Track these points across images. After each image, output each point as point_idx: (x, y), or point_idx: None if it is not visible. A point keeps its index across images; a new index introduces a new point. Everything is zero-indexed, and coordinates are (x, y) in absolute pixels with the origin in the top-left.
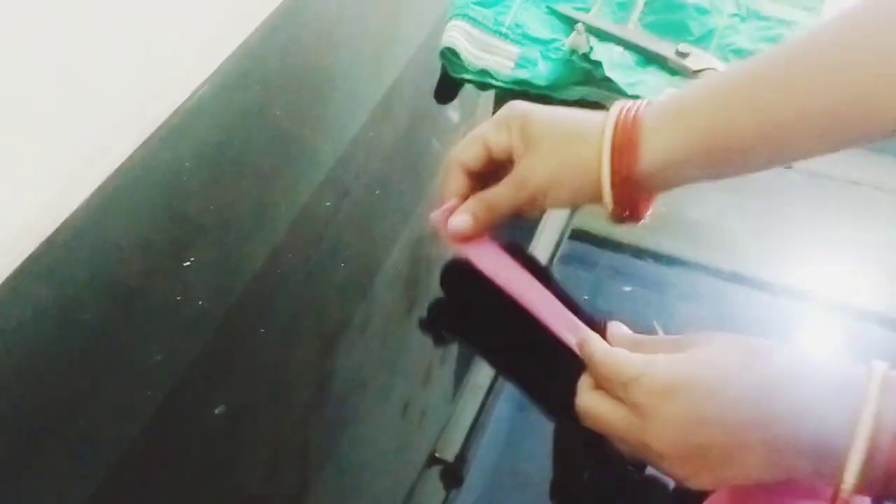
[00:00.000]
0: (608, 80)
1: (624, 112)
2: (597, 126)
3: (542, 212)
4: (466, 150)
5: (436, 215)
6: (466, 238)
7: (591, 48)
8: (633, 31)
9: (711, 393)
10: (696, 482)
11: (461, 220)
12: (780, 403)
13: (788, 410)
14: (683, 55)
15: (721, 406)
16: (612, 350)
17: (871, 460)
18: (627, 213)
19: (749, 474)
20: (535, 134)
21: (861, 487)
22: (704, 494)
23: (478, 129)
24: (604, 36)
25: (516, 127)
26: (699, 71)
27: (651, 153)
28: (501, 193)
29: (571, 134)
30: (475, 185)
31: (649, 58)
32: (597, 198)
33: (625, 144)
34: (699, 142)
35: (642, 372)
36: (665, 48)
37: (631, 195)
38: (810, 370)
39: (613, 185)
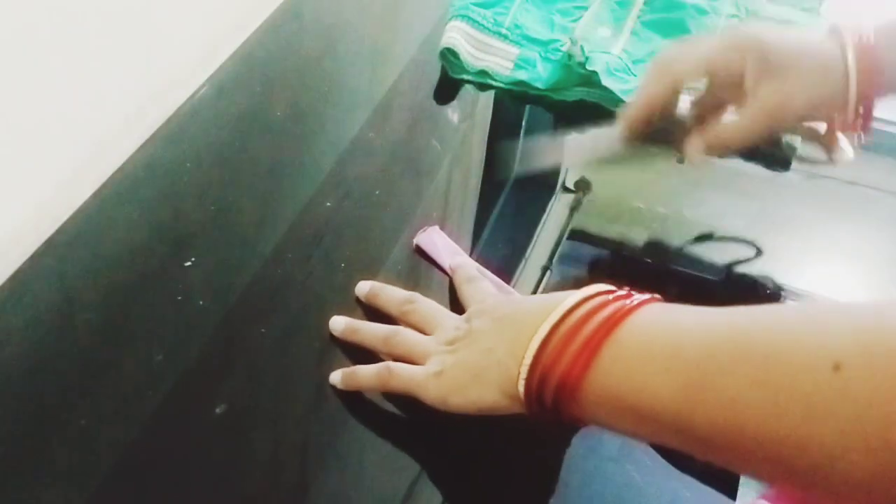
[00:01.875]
0: None
1: (859, 43)
2: (837, 54)
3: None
4: (688, 62)
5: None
6: None
7: (587, 58)
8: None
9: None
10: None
11: (698, 158)
12: (515, 307)
13: (513, 312)
14: None
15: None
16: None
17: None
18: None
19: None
20: (780, 62)
21: (532, 384)
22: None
23: (697, 50)
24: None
25: (753, 53)
26: None
27: (891, 81)
28: (744, 126)
29: (819, 62)
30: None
31: (649, 55)
32: (831, 113)
33: (868, 81)
34: None
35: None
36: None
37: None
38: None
39: (856, 109)
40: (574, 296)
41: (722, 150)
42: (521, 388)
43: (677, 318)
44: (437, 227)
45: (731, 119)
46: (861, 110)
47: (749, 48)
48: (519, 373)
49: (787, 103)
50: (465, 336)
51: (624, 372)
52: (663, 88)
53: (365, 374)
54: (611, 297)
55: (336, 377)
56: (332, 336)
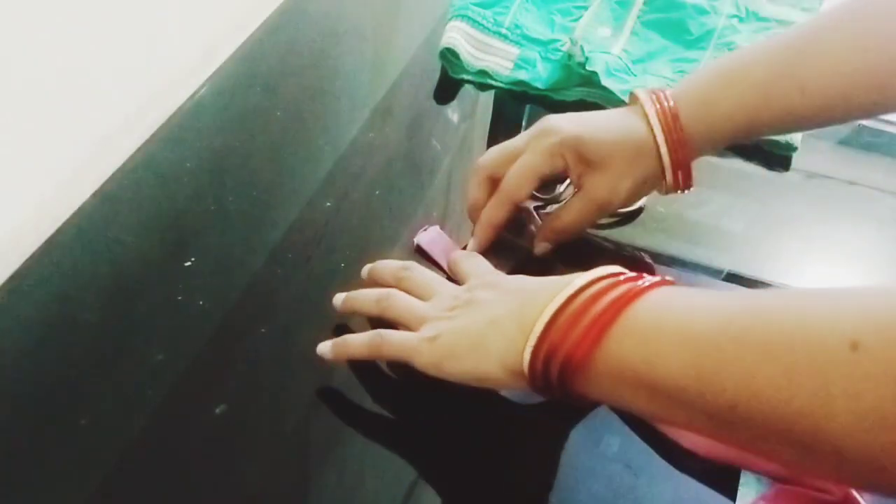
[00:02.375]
0: None
1: (664, 120)
2: (646, 135)
3: None
4: (521, 185)
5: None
6: None
7: (587, 59)
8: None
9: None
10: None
11: (542, 248)
12: (524, 282)
13: (521, 288)
14: None
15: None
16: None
17: (545, 337)
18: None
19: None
20: (598, 156)
21: (536, 363)
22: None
23: (525, 162)
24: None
25: (571, 153)
26: None
27: (700, 146)
28: (576, 217)
29: (633, 149)
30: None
31: (649, 55)
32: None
33: (679, 155)
34: (736, 132)
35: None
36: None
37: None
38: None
39: (675, 176)
40: (585, 276)
41: (558, 238)
42: (526, 361)
43: (691, 295)
44: (437, 227)
45: (561, 209)
46: (680, 175)
47: (566, 151)
48: (525, 346)
49: (613, 193)
50: (465, 304)
51: (635, 346)
52: (506, 212)
53: (356, 342)
54: (622, 277)
55: (325, 347)
56: (331, 335)
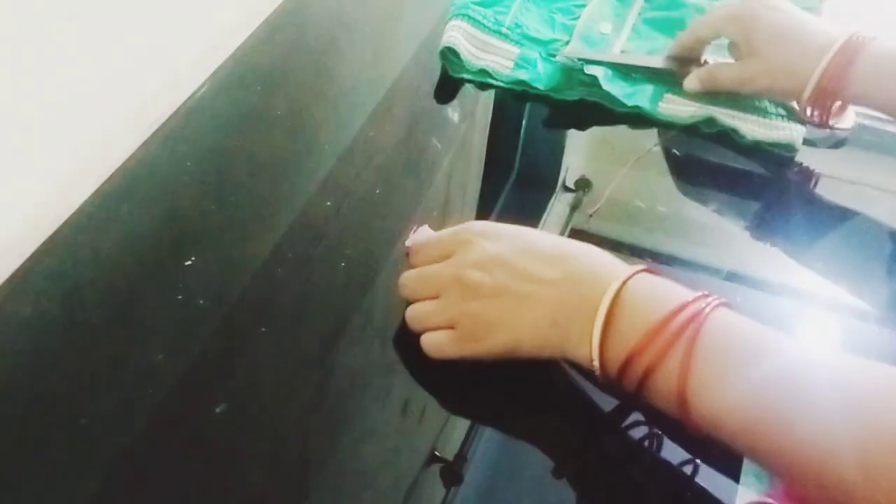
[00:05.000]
0: None
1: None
2: (816, 47)
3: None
4: (700, 26)
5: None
6: None
7: (583, 67)
8: (618, 55)
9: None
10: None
11: (691, 78)
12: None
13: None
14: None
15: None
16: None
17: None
18: (819, 116)
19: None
20: (760, 43)
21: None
22: None
23: (710, 19)
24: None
25: (743, 28)
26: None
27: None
28: (729, 73)
29: (793, 48)
30: None
31: (642, 76)
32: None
33: (838, 69)
34: None
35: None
36: (654, 61)
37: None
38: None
39: (818, 87)
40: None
41: (710, 83)
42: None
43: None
44: (426, 227)
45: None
46: (821, 104)
47: (744, 24)
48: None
49: (753, 78)
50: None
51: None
52: (689, 40)
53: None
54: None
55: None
56: (332, 335)
